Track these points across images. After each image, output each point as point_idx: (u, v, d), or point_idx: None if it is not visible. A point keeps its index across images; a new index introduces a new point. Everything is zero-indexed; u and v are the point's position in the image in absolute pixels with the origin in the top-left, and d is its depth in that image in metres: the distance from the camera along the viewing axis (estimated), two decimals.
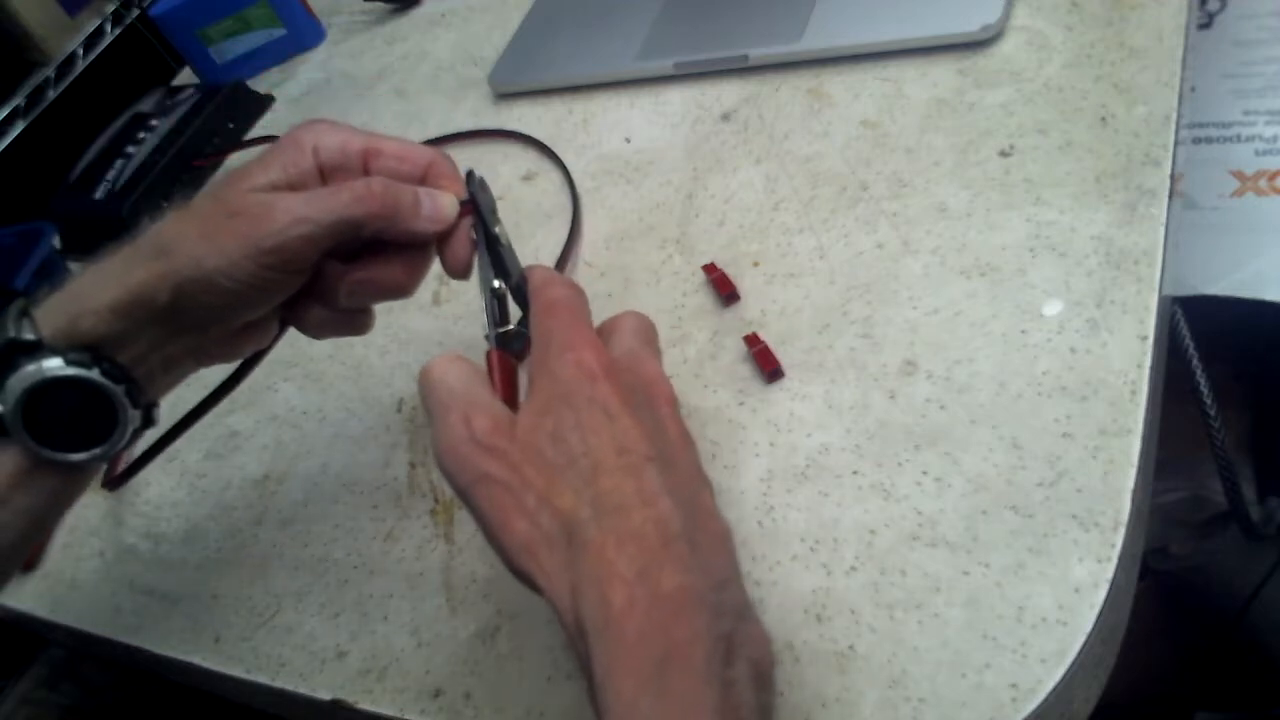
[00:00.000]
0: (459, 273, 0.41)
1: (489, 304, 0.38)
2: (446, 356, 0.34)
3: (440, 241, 0.40)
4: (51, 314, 0.36)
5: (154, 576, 0.51)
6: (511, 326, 0.37)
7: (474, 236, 0.40)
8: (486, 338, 0.37)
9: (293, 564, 0.48)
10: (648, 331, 0.36)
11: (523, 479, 0.30)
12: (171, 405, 0.42)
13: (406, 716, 0.40)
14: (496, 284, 0.38)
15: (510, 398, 0.34)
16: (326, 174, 0.39)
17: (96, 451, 0.37)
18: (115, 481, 0.54)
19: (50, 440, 0.36)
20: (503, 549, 0.31)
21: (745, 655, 0.28)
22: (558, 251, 0.55)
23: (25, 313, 0.35)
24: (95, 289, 0.36)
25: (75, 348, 0.35)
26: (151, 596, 0.50)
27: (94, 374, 0.35)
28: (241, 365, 0.45)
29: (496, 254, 0.39)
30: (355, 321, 0.42)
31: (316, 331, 0.42)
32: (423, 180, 0.40)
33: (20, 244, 0.65)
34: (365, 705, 0.41)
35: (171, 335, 0.38)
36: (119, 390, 0.36)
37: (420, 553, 0.46)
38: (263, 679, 0.44)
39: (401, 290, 0.41)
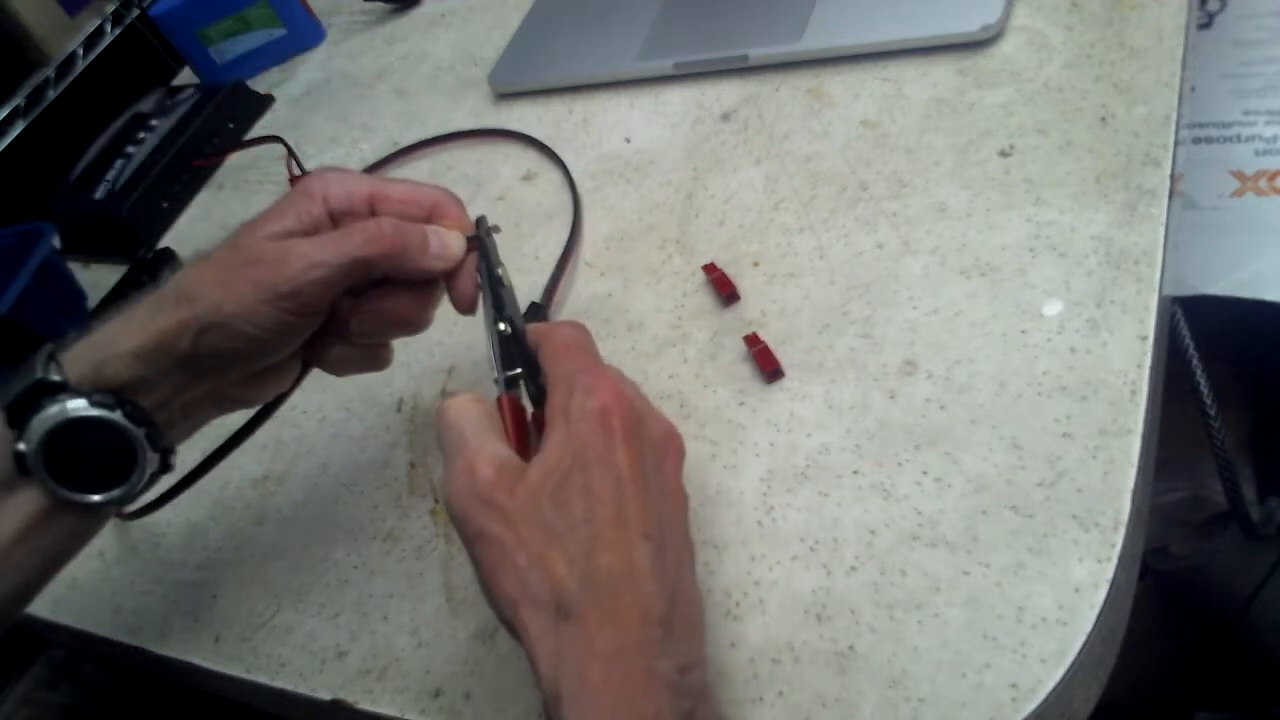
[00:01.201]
0: (465, 309, 0.42)
1: (495, 346, 0.38)
2: (464, 397, 0.35)
3: (448, 279, 0.41)
4: (77, 359, 0.37)
5: (154, 576, 0.51)
6: (520, 369, 0.37)
7: (479, 279, 0.41)
8: (495, 381, 0.37)
9: (293, 564, 0.48)
10: (587, 343, 0.37)
11: (518, 537, 0.31)
12: (188, 446, 0.42)
13: (406, 716, 0.40)
14: (502, 326, 0.38)
15: (522, 445, 0.35)
16: (336, 220, 0.40)
17: (115, 494, 0.38)
18: (130, 516, 0.54)
19: (69, 481, 0.36)
20: (492, 600, 0.32)
21: None
22: (558, 252, 0.55)
23: (53, 357, 0.37)
24: (120, 335, 0.38)
25: (99, 390, 0.36)
26: (151, 596, 0.50)
27: (116, 415, 0.36)
28: (262, 409, 0.45)
29: (499, 296, 0.39)
30: (373, 357, 0.43)
31: (337, 368, 0.43)
32: (429, 219, 0.42)
33: (20, 244, 0.65)
34: (365, 705, 0.41)
35: (193, 381, 0.39)
36: (140, 433, 0.37)
37: (420, 553, 0.46)
38: (263, 679, 0.44)
39: (411, 324, 0.42)
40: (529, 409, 0.36)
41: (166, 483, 0.43)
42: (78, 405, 0.36)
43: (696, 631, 0.32)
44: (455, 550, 0.45)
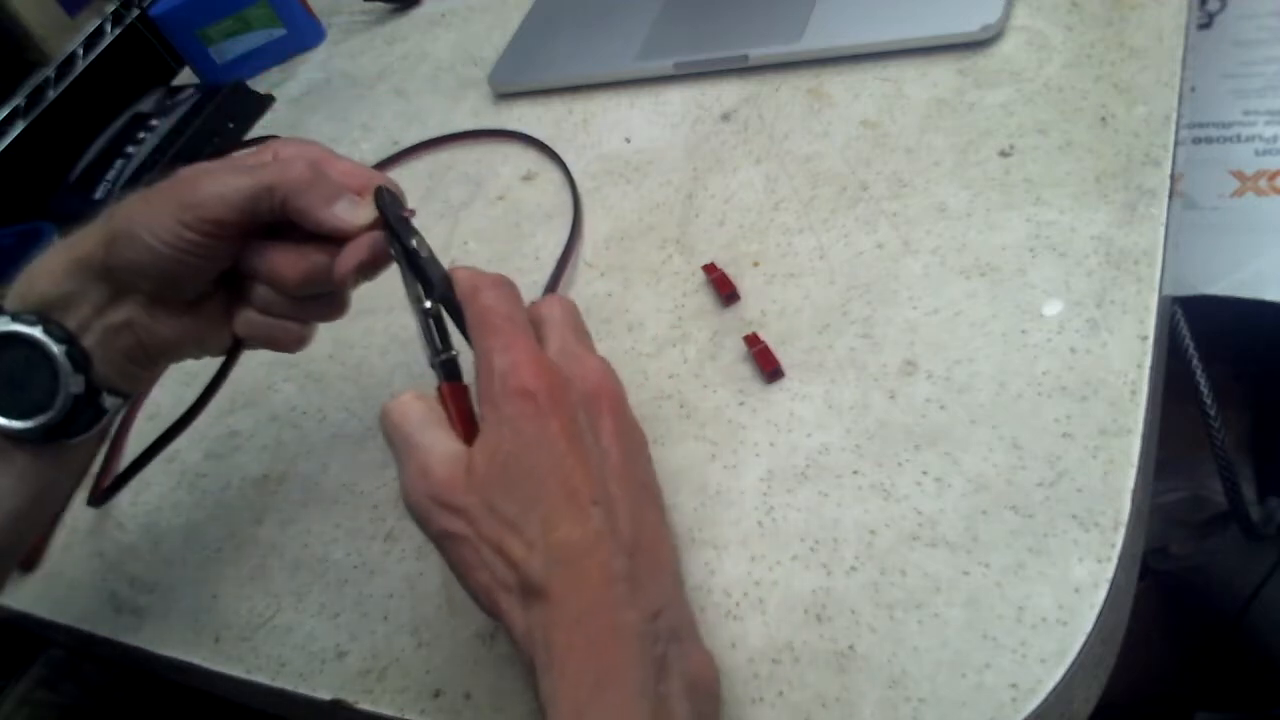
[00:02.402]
0: (339, 280, 0.40)
1: (423, 327, 0.37)
2: (403, 397, 0.35)
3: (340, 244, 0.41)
4: (16, 286, 0.38)
5: (154, 576, 0.51)
6: (455, 351, 0.37)
7: (393, 252, 0.39)
8: (431, 366, 0.36)
9: (293, 564, 0.48)
10: (576, 319, 0.38)
11: (479, 533, 0.32)
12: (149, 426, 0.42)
13: (406, 716, 0.40)
14: (427, 304, 0.37)
15: (469, 432, 0.35)
16: None
17: (40, 420, 0.37)
18: (100, 497, 0.54)
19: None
20: (470, 594, 0.33)
21: (679, 671, 0.31)
22: (558, 252, 0.55)
23: None
24: (51, 256, 0.39)
25: (27, 311, 0.37)
26: (152, 596, 0.50)
27: (36, 330, 0.37)
28: (210, 383, 0.46)
29: (418, 267, 0.38)
30: (285, 333, 0.43)
31: (250, 333, 0.42)
32: (359, 194, 0.42)
33: (20, 244, 0.65)
34: (365, 705, 0.41)
35: (111, 299, 0.40)
36: (59, 350, 0.37)
37: (420, 553, 0.46)
38: (263, 679, 0.44)
39: (287, 281, 0.41)
40: (472, 388, 0.35)
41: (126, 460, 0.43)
42: (2, 322, 0.37)
43: (664, 574, 0.34)
44: None
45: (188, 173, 0.39)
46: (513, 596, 0.32)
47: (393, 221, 0.39)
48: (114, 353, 0.40)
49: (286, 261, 0.41)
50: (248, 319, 0.42)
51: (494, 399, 0.33)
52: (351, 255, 0.40)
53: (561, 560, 0.31)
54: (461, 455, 0.33)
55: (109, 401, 0.40)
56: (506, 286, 0.36)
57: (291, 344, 0.43)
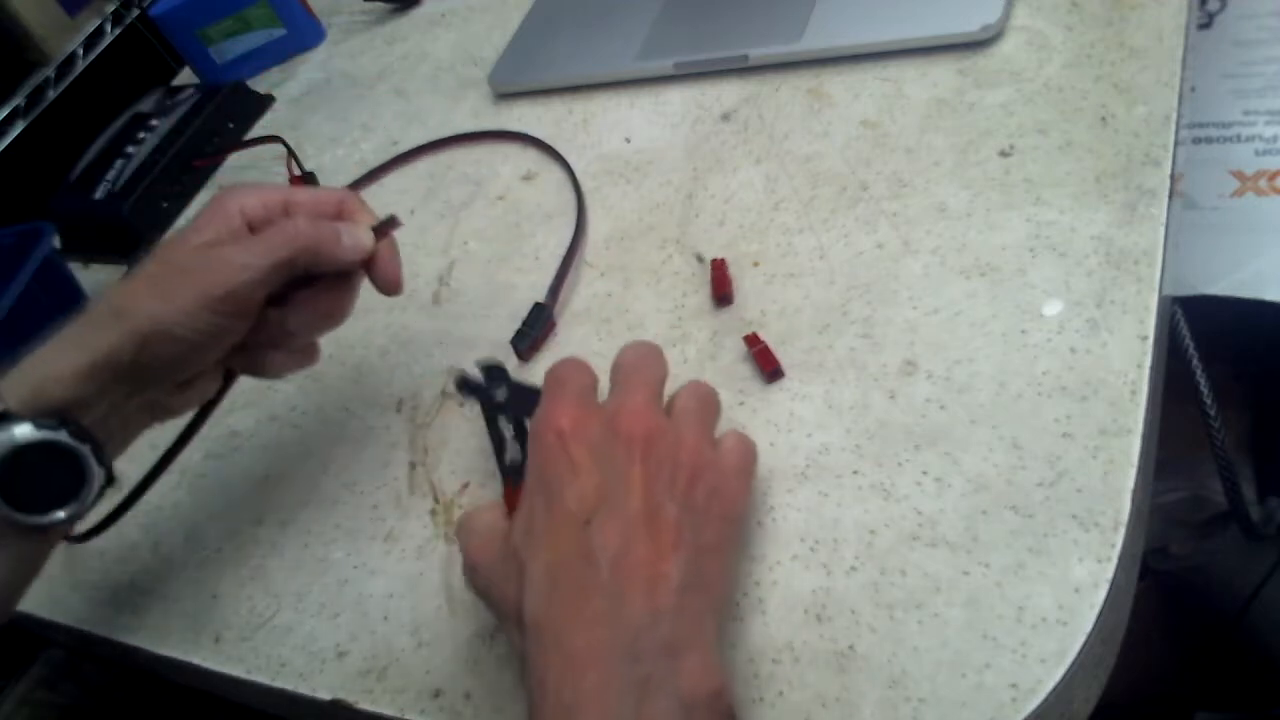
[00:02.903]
0: (391, 289, 0.45)
1: (498, 453, 0.42)
2: (480, 508, 0.38)
3: (367, 267, 0.44)
4: (15, 386, 0.38)
5: (154, 576, 0.51)
6: (522, 458, 0.41)
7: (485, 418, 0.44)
8: (502, 471, 0.42)
9: (293, 564, 0.48)
10: (708, 411, 0.38)
11: (499, 575, 0.35)
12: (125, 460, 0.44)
13: (406, 716, 0.40)
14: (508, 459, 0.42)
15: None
16: (255, 229, 0.43)
17: (65, 513, 0.39)
18: (78, 539, 0.53)
19: (19, 504, 0.38)
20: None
21: (669, 691, 0.30)
22: (559, 252, 0.55)
23: None
24: (56, 358, 0.39)
25: (43, 414, 0.38)
26: (151, 596, 0.50)
27: (61, 435, 0.38)
28: (194, 420, 0.47)
29: (499, 434, 0.43)
30: (305, 356, 0.46)
31: (273, 372, 0.45)
32: (338, 218, 0.44)
33: (20, 244, 0.65)
34: (365, 705, 0.41)
35: (131, 394, 0.41)
36: (85, 450, 0.38)
37: (420, 553, 0.46)
38: (263, 679, 0.44)
39: (335, 317, 0.45)
40: None
41: (110, 504, 0.45)
42: (24, 431, 0.37)
43: (654, 591, 0.32)
44: (455, 550, 0.45)
45: (198, 260, 0.40)
46: (514, 629, 0.34)
47: (489, 403, 0.44)
48: (126, 435, 0.43)
49: (315, 306, 0.43)
50: (271, 361, 0.44)
51: (533, 441, 0.36)
52: (387, 270, 0.44)
53: (552, 586, 0.32)
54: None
55: (115, 474, 0.41)
56: (567, 365, 0.39)
57: (315, 359, 0.46)
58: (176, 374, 0.42)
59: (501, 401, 0.44)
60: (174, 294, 0.39)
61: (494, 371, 0.45)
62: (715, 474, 0.36)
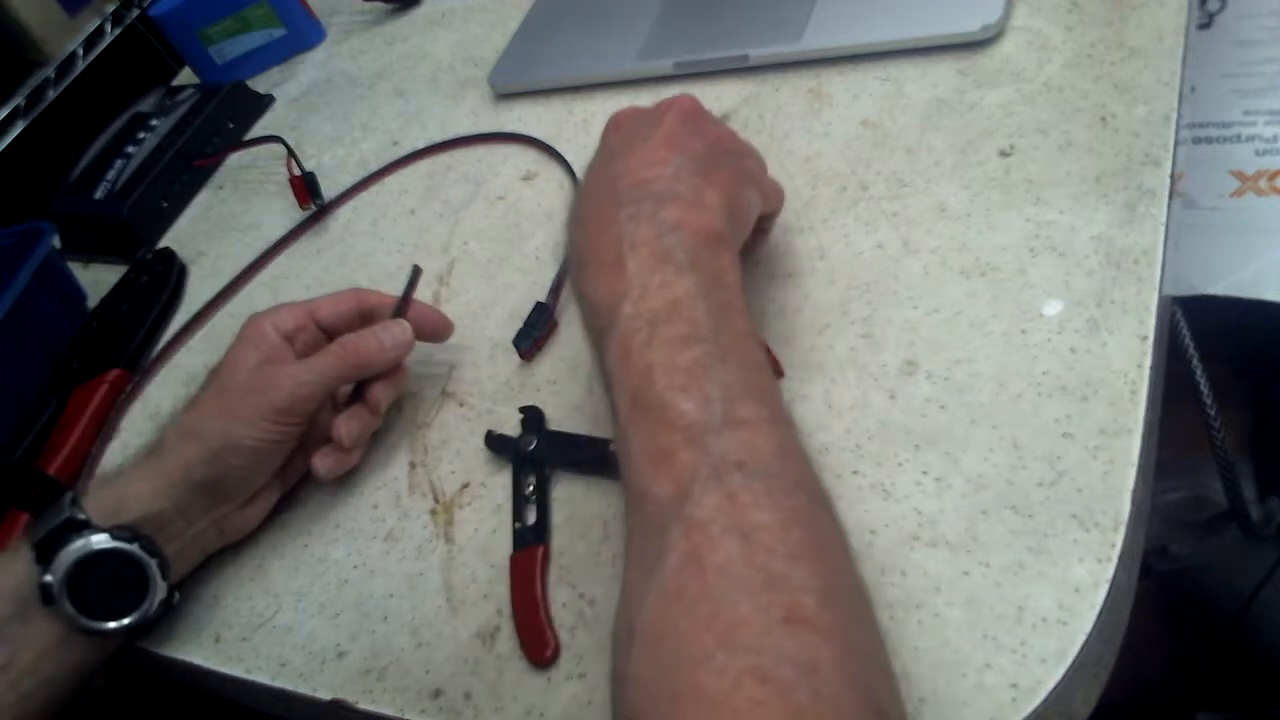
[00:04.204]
0: (444, 337, 0.52)
1: (515, 513, 0.45)
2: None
3: (416, 332, 0.50)
4: (100, 501, 0.43)
5: None
6: (536, 520, 0.44)
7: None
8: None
9: (293, 564, 0.48)
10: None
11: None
12: None
13: (406, 716, 0.40)
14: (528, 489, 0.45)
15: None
16: (291, 340, 0.48)
17: (127, 621, 0.42)
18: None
19: (86, 610, 0.41)
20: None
21: (650, 217, 0.37)
22: (559, 252, 0.55)
23: (75, 500, 0.42)
24: (137, 478, 0.44)
25: (120, 527, 0.42)
26: None
27: (134, 547, 0.42)
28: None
29: (520, 494, 0.45)
30: (349, 457, 0.49)
31: (325, 475, 0.48)
32: (361, 313, 0.50)
33: (20, 244, 0.65)
34: (365, 705, 0.41)
35: (206, 509, 0.45)
36: (153, 564, 0.42)
37: (420, 553, 0.46)
38: (263, 679, 0.44)
39: (380, 410, 0.49)
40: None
41: None
42: (100, 539, 0.41)
43: (664, 162, 0.39)
44: (455, 550, 0.45)
45: (261, 379, 0.45)
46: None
47: (511, 445, 0.47)
48: (194, 555, 0.47)
49: (373, 400, 0.48)
50: (335, 460, 0.48)
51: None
52: (433, 319, 0.51)
53: (585, 196, 0.41)
54: None
55: (177, 596, 0.45)
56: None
57: (358, 458, 0.50)
58: (245, 485, 0.46)
59: (528, 452, 0.46)
60: (240, 410, 0.44)
61: (531, 414, 0.47)
62: (743, 153, 0.44)
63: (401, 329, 0.48)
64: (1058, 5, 0.54)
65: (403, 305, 0.50)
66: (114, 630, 0.42)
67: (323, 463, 0.47)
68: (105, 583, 0.41)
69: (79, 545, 0.40)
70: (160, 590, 0.43)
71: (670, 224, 0.37)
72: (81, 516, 0.41)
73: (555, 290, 0.53)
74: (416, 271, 0.50)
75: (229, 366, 0.46)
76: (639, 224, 0.37)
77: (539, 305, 0.52)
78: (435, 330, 0.51)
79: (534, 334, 0.51)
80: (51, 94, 0.83)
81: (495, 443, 0.47)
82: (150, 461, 0.44)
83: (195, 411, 0.45)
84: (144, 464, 0.44)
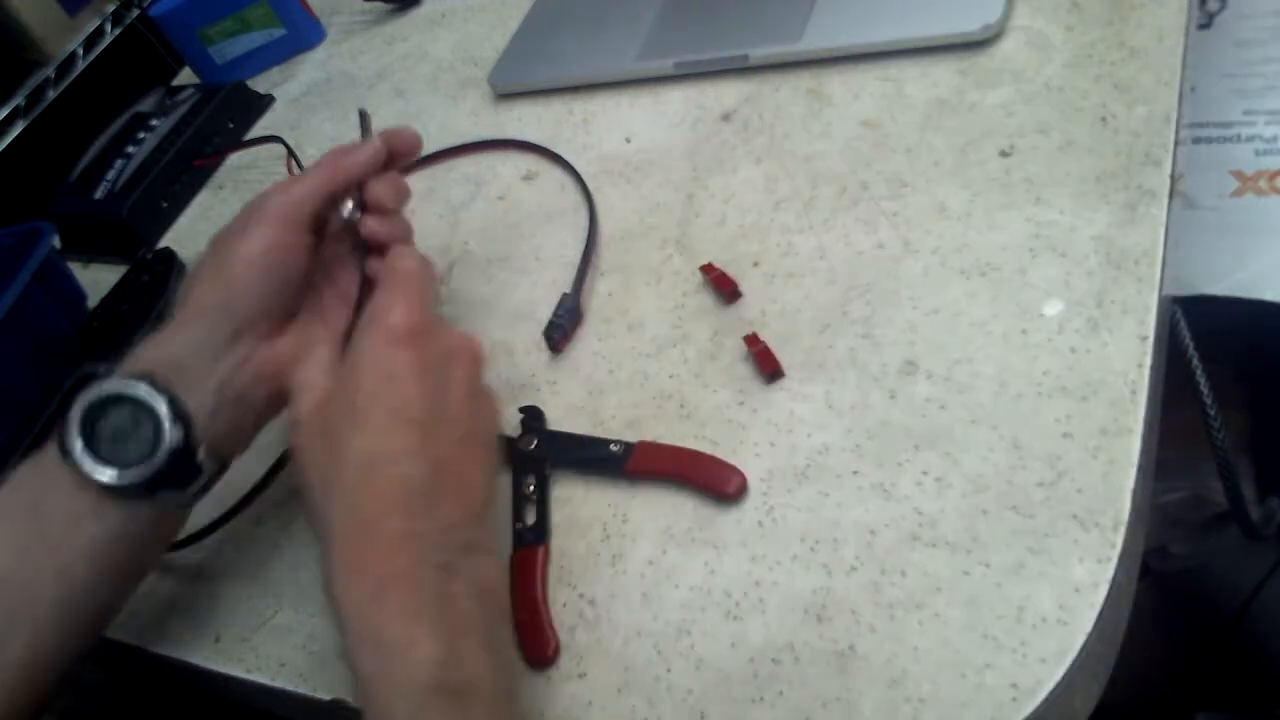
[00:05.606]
0: (416, 149, 0.50)
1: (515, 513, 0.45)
2: (309, 362, 0.41)
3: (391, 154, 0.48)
4: (129, 361, 0.41)
5: (154, 576, 0.51)
6: (536, 520, 0.44)
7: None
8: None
9: (293, 564, 0.48)
10: (426, 281, 0.41)
11: (302, 443, 0.38)
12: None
13: None
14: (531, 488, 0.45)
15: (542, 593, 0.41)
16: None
17: (137, 472, 0.39)
18: (175, 546, 0.54)
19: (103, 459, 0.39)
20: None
21: (467, 577, 0.34)
22: (560, 252, 0.55)
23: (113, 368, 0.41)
24: (158, 336, 0.42)
25: (131, 375, 0.40)
26: (151, 596, 0.50)
27: (141, 388, 0.39)
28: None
29: (520, 494, 0.45)
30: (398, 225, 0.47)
31: (331, 319, 0.46)
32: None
33: (20, 244, 0.65)
34: None
35: (226, 344, 0.42)
36: (161, 400, 0.39)
37: None
38: (263, 679, 0.44)
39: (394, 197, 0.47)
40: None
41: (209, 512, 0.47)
42: (111, 383, 0.39)
43: (464, 501, 0.36)
44: None
45: (242, 212, 0.45)
46: (315, 493, 0.36)
47: (511, 445, 0.46)
48: (234, 406, 0.43)
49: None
50: (333, 301, 0.47)
51: (364, 329, 0.39)
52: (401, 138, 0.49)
53: (363, 465, 0.35)
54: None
55: (205, 462, 0.41)
56: (418, 258, 0.42)
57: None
58: (260, 304, 0.43)
59: (528, 452, 0.45)
60: (235, 235, 0.43)
61: (531, 413, 0.47)
62: (495, 417, 0.41)
63: (371, 144, 0.47)
64: (1058, 5, 0.54)
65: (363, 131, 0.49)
66: (131, 485, 0.39)
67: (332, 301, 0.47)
68: (123, 438, 0.39)
69: (91, 391, 0.39)
70: (170, 436, 0.39)
71: (482, 588, 0.36)
72: (101, 370, 0.40)
73: (579, 280, 0.53)
74: (364, 115, 0.49)
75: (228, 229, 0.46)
76: (454, 582, 0.35)
77: (566, 296, 0.52)
78: (407, 146, 0.49)
79: (563, 325, 0.51)
80: (51, 94, 0.83)
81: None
82: (172, 320, 0.43)
83: (197, 267, 0.45)
84: (165, 325, 0.43)
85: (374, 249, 0.45)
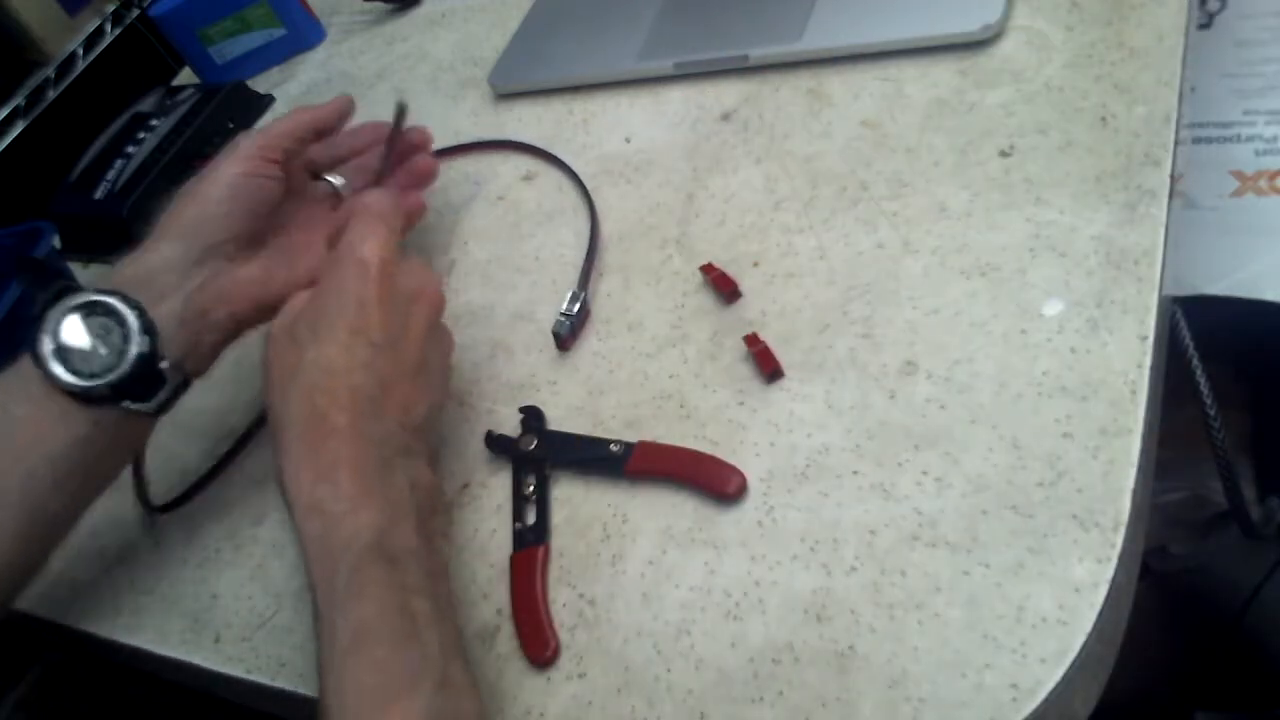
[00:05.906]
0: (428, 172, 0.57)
1: (515, 513, 0.45)
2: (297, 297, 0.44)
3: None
4: (102, 278, 0.44)
5: (154, 576, 0.51)
6: (536, 521, 0.44)
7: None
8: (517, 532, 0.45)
9: (293, 564, 0.48)
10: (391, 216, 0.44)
11: (275, 352, 0.41)
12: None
13: None
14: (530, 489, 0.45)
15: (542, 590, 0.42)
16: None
17: (109, 378, 0.41)
18: (160, 509, 0.54)
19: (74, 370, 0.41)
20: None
21: (404, 472, 0.38)
22: (559, 252, 0.55)
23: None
24: (134, 253, 0.46)
25: (107, 289, 0.42)
26: (151, 596, 0.50)
27: (113, 298, 0.42)
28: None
29: (520, 494, 0.46)
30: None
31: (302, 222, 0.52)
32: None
33: (20, 244, 0.65)
34: None
35: (193, 261, 0.46)
36: (132, 313, 0.42)
37: None
38: (263, 679, 0.44)
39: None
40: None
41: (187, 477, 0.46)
42: (86, 293, 0.42)
43: (408, 416, 0.40)
44: (455, 550, 0.45)
45: (226, 146, 0.49)
46: (274, 394, 0.39)
47: (511, 446, 0.47)
48: (199, 323, 0.45)
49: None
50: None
51: (337, 259, 0.41)
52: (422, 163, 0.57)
53: (322, 370, 0.38)
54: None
55: (169, 372, 0.44)
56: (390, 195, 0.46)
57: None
58: (227, 226, 0.47)
59: (528, 452, 0.46)
60: (208, 170, 0.48)
61: (532, 413, 0.47)
62: (446, 355, 0.46)
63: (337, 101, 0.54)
64: (1058, 5, 0.54)
65: (392, 141, 0.53)
66: (97, 389, 0.41)
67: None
68: (94, 351, 0.41)
69: (66, 301, 0.41)
70: (138, 341, 0.42)
71: (416, 483, 0.39)
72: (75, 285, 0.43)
73: (584, 277, 0.53)
74: (402, 107, 0.53)
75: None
76: (393, 473, 0.38)
77: (574, 293, 0.52)
78: (422, 172, 0.56)
79: (572, 320, 0.51)
80: (51, 94, 0.83)
81: (495, 443, 0.47)
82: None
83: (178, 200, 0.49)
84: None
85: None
